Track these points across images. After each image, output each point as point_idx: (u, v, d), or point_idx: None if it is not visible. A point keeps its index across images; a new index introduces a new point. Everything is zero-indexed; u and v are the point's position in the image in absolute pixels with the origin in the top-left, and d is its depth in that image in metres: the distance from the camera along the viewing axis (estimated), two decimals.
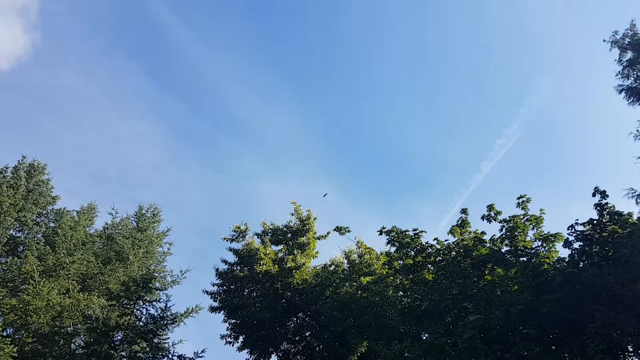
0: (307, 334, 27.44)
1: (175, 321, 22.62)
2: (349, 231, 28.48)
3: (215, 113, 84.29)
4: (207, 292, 27.82)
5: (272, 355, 27.51)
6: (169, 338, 22.44)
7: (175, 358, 22.00)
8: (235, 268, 27.74)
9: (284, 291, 26.98)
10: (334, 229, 28.61)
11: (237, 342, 27.53)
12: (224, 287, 27.82)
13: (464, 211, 26.07)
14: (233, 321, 27.59)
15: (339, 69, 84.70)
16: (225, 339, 27.66)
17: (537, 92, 73.69)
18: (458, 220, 25.91)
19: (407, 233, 25.68)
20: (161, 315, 22.47)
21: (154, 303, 22.99)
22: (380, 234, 26.32)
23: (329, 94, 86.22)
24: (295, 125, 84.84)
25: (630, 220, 20.51)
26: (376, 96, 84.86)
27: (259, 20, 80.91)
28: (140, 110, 76.56)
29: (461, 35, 77.61)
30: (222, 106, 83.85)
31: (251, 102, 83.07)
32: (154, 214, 28.58)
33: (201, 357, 22.18)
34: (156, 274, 24.84)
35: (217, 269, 27.93)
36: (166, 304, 22.53)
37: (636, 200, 17.16)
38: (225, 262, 28.01)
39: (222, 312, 27.62)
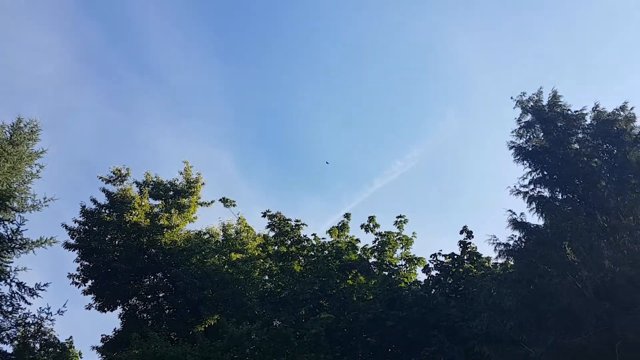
0: (161, 295, 26.70)
1: (25, 247, 20.91)
2: (234, 205, 28.32)
3: (131, 47, 78.48)
4: (66, 227, 25.92)
5: (118, 307, 26.45)
6: (12, 262, 20.75)
7: (14, 284, 20.46)
8: (103, 210, 26.16)
9: (149, 247, 25.94)
10: (220, 200, 28.27)
11: (84, 286, 26.09)
12: (86, 227, 26.10)
13: (346, 216, 27.17)
14: (86, 263, 26.07)
15: (277, 51, 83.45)
16: (73, 279, 26.10)
17: (444, 125, 78.16)
18: (339, 223, 26.90)
19: (289, 222, 26.15)
20: (10, 237, 20.68)
21: (6, 222, 21.06)
22: (264, 216, 26.56)
23: (256, 69, 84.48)
24: (212, 88, 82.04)
25: (486, 264, 22.50)
26: (298, 88, 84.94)
27: None
28: (49, 21, 69.15)
29: (389, 55, 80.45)
30: (141, 43, 78.28)
31: (173, 49, 78.71)
32: (32, 131, 25.85)
33: (42, 290, 20.80)
34: (17, 194, 22.66)
35: (84, 207, 26.13)
36: (18, 227, 20.76)
37: (495, 247, 18.70)
38: (94, 201, 26.31)
39: (77, 251, 25.98)
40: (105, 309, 26.19)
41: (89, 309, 26.11)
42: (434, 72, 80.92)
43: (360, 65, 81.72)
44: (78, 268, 26.17)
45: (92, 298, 26.15)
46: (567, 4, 73.29)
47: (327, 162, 42.61)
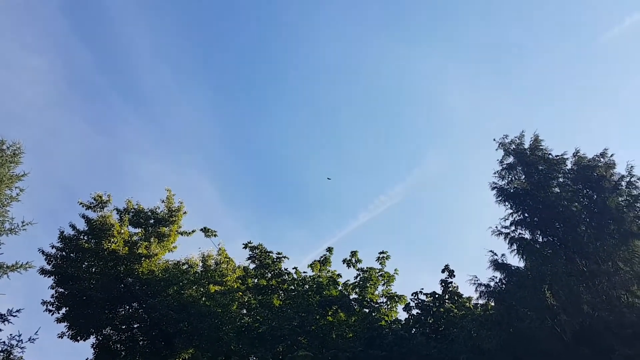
0: (135, 325, 25.96)
1: None
2: (215, 235, 27.82)
3: (120, 73, 78.93)
4: (43, 252, 25.44)
5: (91, 337, 25.70)
6: None
7: None
8: (82, 237, 25.71)
9: (126, 276, 25.44)
10: (201, 229, 27.80)
11: (58, 313, 25.41)
12: (63, 253, 25.60)
13: (329, 250, 26.81)
14: (61, 290, 25.47)
15: (268, 85, 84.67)
16: (47, 306, 25.42)
17: (426, 164, 79.22)
18: (321, 257, 26.55)
19: (270, 254, 25.75)
20: None
21: None
22: (245, 247, 26.11)
23: (246, 98, 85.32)
24: (200, 117, 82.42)
25: (467, 304, 22.31)
26: (287, 122, 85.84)
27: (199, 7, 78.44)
28: (39, 43, 69.23)
29: (376, 93, 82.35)
30: (131, 69, 78.99)
31: (162, 77, 79.34)
32: (14, 153, 25.56)
33: (15, 316, 20.14)
34: None
35: (62, 232, 25.69)
36: None
37: (476, 288, 18.68)
38: (73, 227, 25.87)
39: (52, 277, 25.41)
40: (78, 338, 25.46)
41: (62, 337, 25.37)
42: (418, 111, 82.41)
43: (348, 103, 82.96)
44: (52, 295, 25.60)
45: (65, 326, 25.46)
46: (548, 50, 75.55)
47: (328, 178, 42.10)
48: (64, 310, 25.47)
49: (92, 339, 25.73)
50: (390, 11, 78.79)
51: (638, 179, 18.48)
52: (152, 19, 76.90)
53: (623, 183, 18.56)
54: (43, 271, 25.21)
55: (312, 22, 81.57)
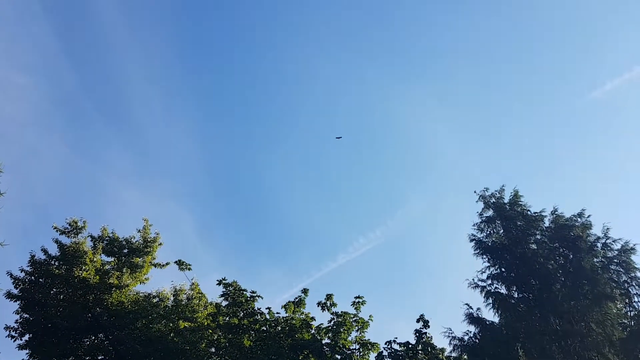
0: (100, 357, 25.03)
1: None
2: (189, 269, 27.22)
3: (107, 97, 79.15)
4: (10, 275, 24.77)
5: None
6: None
7: None
8: (53, 262, 25.11)
9: (95, 306, 24.73)
10: (175, 262, 27.19)
11: (21, 340, 24.50)
12: (33, 278, 24.94)
13: (304, 291, 26.35)
14: (26, 316, 24.68)
15: (255, 123, 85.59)
16: (10, 331, 24.55)
17: (409, 208, 79.59)
18: (296, 298, 26.07)
19: (244, 292, 25.26)
20: None
21: None
22: (219, 284, 25.59)
23: (234, 132, 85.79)
24: (185, 149, 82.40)
25: (440, 355, 21.92)
26: (269, 160, 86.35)
27: (193, 30, 79.74)
28: (29, 62, 69.23)
29: (358, 135, 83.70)
30: (118, 93, 79.16)
31: (150, 102, 79.64)
32: None
33: None
34: None
35: (33, 256, 25.10)
36: None
37: (450, 340, 18.51)
38: (45, 252, 25.32)
39: (19, 302, 24.65)
40: None
41: None
42: (405, 153, 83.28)
43: (331, 142, 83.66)
44: (17, 320, 24.74)
45: (27, 354, 24.49)
46: (540, 104, 77.54)
47: (338, 137, 40.07)
48: (27, 336, 24.60)
49: None
50: (384, 48, 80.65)
51: (613, 241, 18.71)
52: (143, 44, 77.86)
53: (599, 244, 18.75)
54: (9, 295, 24.47)
55: (302, 54, 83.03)
